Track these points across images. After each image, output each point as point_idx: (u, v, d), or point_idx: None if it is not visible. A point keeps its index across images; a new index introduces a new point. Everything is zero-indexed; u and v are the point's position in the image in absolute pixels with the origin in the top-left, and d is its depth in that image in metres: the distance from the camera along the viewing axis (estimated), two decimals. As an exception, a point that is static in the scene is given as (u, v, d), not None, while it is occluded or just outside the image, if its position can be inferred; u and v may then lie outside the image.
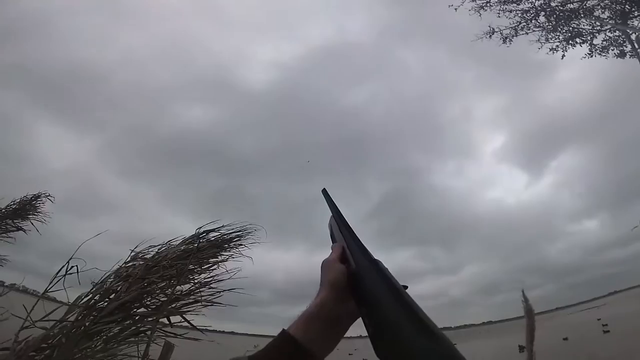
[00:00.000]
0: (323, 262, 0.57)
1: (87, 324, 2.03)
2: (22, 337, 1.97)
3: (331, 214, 0.70)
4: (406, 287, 0.46)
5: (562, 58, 11.00)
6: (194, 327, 2.16)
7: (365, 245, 0.55)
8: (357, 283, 0.51)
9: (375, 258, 0.52)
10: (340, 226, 0.64)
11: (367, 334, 0.45)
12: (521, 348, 23.58)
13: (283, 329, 0.51)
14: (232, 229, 2.53)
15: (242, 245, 2.54)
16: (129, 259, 2.29)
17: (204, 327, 2.25)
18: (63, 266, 2.15)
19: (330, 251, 0.60)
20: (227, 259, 2.48)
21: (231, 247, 2.50)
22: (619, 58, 10.85)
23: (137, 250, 2.32)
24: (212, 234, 2.49)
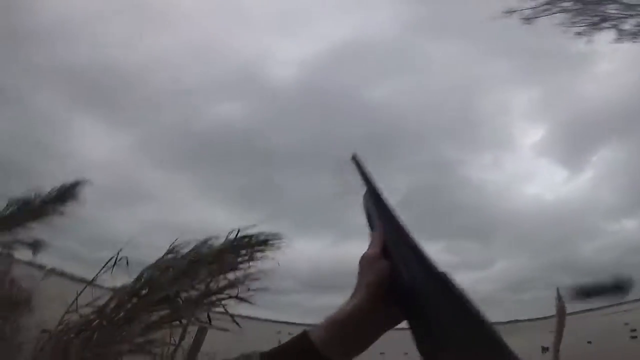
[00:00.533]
0: (362, 257, 0.47)
1: (127, 309, 2.23)
2: (67, 320, 2.18)
3: (365, 189, 0.53)
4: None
5: (588, 43, 10.56)
6: (234, 321, 2.34)
7: (416, 241, 0.43)
8: (411, 295, 0.42)
9: (439, 270, 0.39)
10: (379, 208, 0.49)
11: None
12: (544, 349, 22.94)
13: (304, 330, 0.46)
14: (264, 233, 2.71)
15: (272, 247, 2.71)
16: (167, 252, 2.50)
17: (236, 315, 2.42)
18: (112, 257, 2.37)
19: (369, 242, 0.49)
20: (260, 259, 2.65)
21: (263, 250, 2.67)
22: None
23: (175, 244, 2.52)
24: (246, 238, 2.67)
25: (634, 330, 24.82)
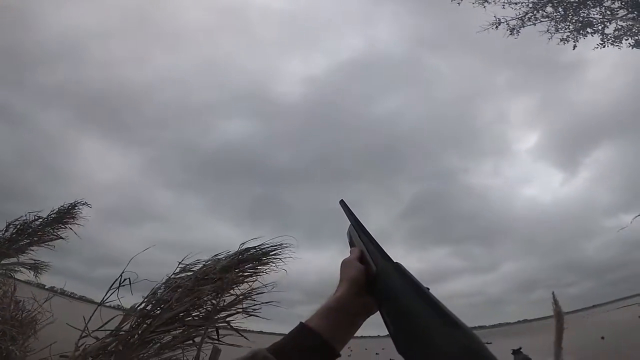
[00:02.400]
0: (343, 261, 0.62)
1: (140, 332, 2.21)
2: (79, 344, 2.16)
3: (349, 224, 0.74)
4: (428, 289, 0.47)
5: (574, 49, 10.70)
6: (241, 335, 2.33)
7: (384, 250, 0.57)
8: (378, 283, 0.53)
9: (396, 261, 0.54)
10: (359, 233, 0.67)
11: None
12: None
13: (301, 322, 0.53)
14: (270, 244, 2.72)
15: (278, 258, 2.70)
16: (177, 270, 2.48)
17: (245, 330, 2.41)
18: (117, 279, 2.35)
19: (349, 254, 0.64)
20: (265, 271, 2.64)
21: (268, 261, 2.66)
22: (634, 48, 10.39)
23: (185, 262, 2.51)
24: (252, 250, 2.66)
25: (647, 323, 24.60)
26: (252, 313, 2.45)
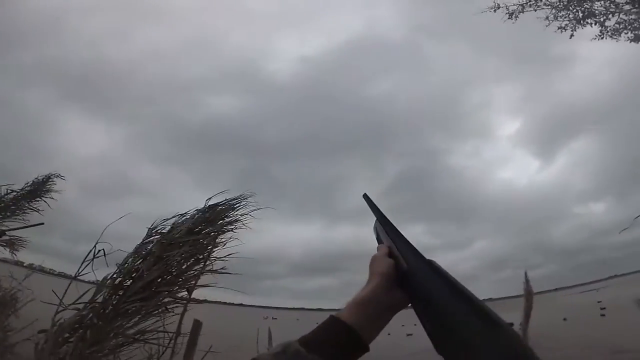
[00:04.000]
0: (372, 257, 0.61)
1: (114, 303, 2.20)
2: (55, 319, 2.13)
3: (375, 219, 0.72)
4: (464, 287, 0.46)
5: (571, 37, 10.76)
6: (203, 301, 2.33)
7: (415, 246, 0.57)
8: (411, 281, 0.53)
9: (429, 258, 0.53)
10: (386, 228, 0.66)
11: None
12: (521, 325, 24.05)
13: (331, 315, 0.53)
14: (235, 198, 2.71)
15: (245, 214, 2.72)
16: (146, 236, 2.44)
17: (209, 301, 2.42)
18: (90, 250, 2.30)
19: (377, 250, 0.65)
20: (235, 229, 2.62)
21: (235, 216, 2.64)
22: (632, 42, 10.51)
23: (153, 227, 2.47)
24: (219, 206, 2.63)
25: (604, 308, 26.32)
26: (224, 272, 2.43)
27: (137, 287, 2.16)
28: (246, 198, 2.73)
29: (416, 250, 0.56)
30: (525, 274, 6.89)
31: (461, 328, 0.40)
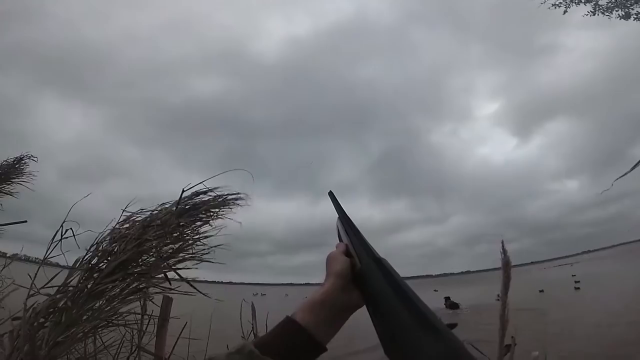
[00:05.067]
0: (328, 255, 0.61)
1: (89, 286, 2.10)
2: (29, 304, 2.04)
3: (337, 216, 0.73)
4: (409, 288, 0.47)
5: (564, 13, 10.82)
6: (186, 281, 2.27)
7: (370, 244, 0.58)
8: (363, 281, 0.54)
9: (380, 256, 0.54)
10: (345, 227, 0.67)
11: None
12: (499, 297, 24.95)
13: (287, 316, 0.54)
14: (220, 192, 2.56)
15: (229, 206, 2.57)
16: (121, 219, 2.33)
17: (195, 280, 2.35)
18: (57, 230, 2.17)
19: (335, 247, 0.65)
20: (215, 217, 2.52)
21: (220, 206, 2.53)
22: (622, 19, 10.62)
23: (130, 210, 2.35)
24: (200, 197, 2.52)
25: (578, 282, 27.74)
26: (202, 258, 2.35)
27: (111, 268, 2.06)
28: (236, 197, 2.61)
29: (369, 248, 0.57)
30: (502, 243, 7.08)
31: (403, 332, 0.41)
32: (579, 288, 25.37)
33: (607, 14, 10.41)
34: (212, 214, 2.45)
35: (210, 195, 2.51)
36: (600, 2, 10.28)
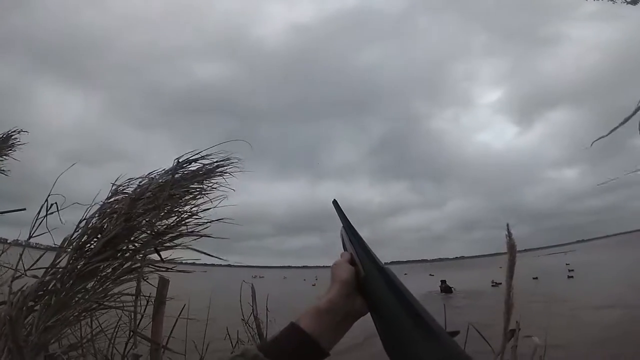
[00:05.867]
0: (334, 263, 0.63)
1: (78, 266, 1.96)
2: (16, 287, 1.90)
3: (342, 225, 0.75)
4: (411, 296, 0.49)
5: None
6: (181, 264, 2.13)
7: (374, 253, 0.60)
8: (366, 289, 0.57)
9: (383, 265, 0.57)
10: (349, 235, 0.69)
11: None
12: (494, 283, 25.29)
13: (292, 322, 0.55)
14: (215, 158, 2.38)
15: (225, 173, 2.39)
16: (110, 194, 2.17)
17: (193, 260, 2.20)
18: (42, 205, 2.01)
19: (340, 256, 0.66)
20: (210, 188, 2.35)
21: (214, 176, 2.36)
22: (630, 4, 10.35)
23: (118, 183, 2.19)
24: (193, 164, 2.34)
25: (572, 270, 28.09)
26: (201, 233, 2.18)
27: (100, 245, 1.91)
28: (231, 162, 2.42)
29: (373, 256, 0.59)
30: (508, 226, 7.05)
31: (405, 339, 0.43)
32: (572, 277, 25.68)
33: (630, 3, 10.08)
34: (206, 182, 2.28)
35: (203, 162, 2.34)
36: None
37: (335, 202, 0.80)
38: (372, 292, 0.54)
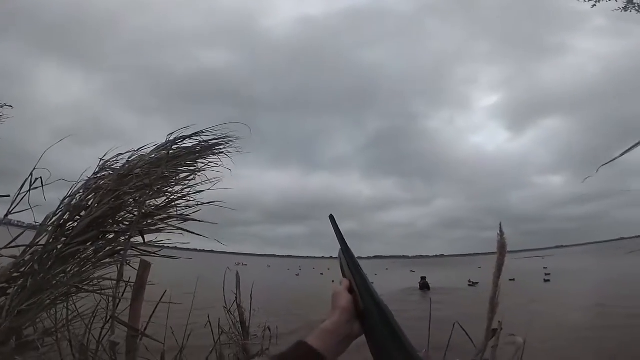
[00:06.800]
0: (334, 291, 0.71)
1: (59, 246, 1.85)
2: None
3: (340, 248, 0.78)
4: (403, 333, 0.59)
5: (593, 7, 10.44)
6: (170, 249, 2.02)
7: (371, 285, 0.67)
8: (363, 318, 0.65)
9: (379, 300, 0.65)
10: (349, 263, 0.74)
11: None
12: (471, 283, 25.90)
13: (299, 340, 0.62)
14: (212, 134, 2.26)
15: (221, 153, 2.28)
16: (97, 169, 2.04)
17: (181, 244, 2.10)
18: (26, 179, 1.87)
19: (341, 284, 0.73)
20: (204, 167, 2.23)
21: (210, 155, 2.24)
22: (622, 11, 10.37)
23: (107, 158, 2.05)
24: (188, 141, 2.22)
25: (549, 274, 28.79)
26: (190, 217, 2.08)
27: (84, 224, 1.80)
28: (229, 140, 2.29)
29: (370, 290, 0.66)
30: (500, 225, 7.05)
31: None
32: (549, 280, 26.34)
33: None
34: (201, 161, 2.17)
35: (197, 140, 2.21)
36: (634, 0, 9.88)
37: (332, 218, 0.81)
38: (368, 322, 0.63)
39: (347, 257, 0.76)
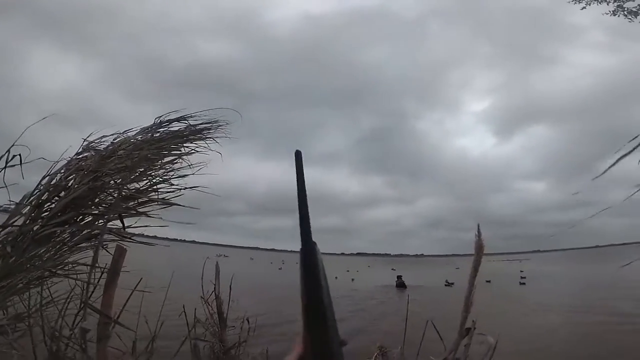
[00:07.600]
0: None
1: (35, 228, 1.78)
2: None
3: (300, 247, 0.56)
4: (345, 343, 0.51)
5: (582, 9, 10.49)
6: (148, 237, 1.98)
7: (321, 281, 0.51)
8: None
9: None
10: (304, 266, 0.52)
11: None
12: (447, 283, 26.53)
13: None
14: (200, 119, 2.19)
15: (209, 138, 2.22)
16: (80, 149, 1.98)
17: (160, 227, 2.05)
18: (2, 156, 1.79)
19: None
20: (191, 152, 2.17)
21: (197, 139, 2.18)
22: (612, 15, 10.43)
23: (90, 139, 1.99)
24: (176, 124, 2.17)
25: (524, 277, 29.62)
26: (172, 201, 2.02)
27: (62, 205, 1.75)
28: (218, 125, 2.24)
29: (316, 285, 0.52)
30: (478, 226, 7.13)
31: None
32: (524, 283, 27.14)
33: (630, 17, 9.95)
34: (187, 146, 2.12)
35: (185, 123, 2.15)
36: (625, 5, 9.85)
37: (298, 154, 0.63)
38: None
39: (303, 259, 0.53)
